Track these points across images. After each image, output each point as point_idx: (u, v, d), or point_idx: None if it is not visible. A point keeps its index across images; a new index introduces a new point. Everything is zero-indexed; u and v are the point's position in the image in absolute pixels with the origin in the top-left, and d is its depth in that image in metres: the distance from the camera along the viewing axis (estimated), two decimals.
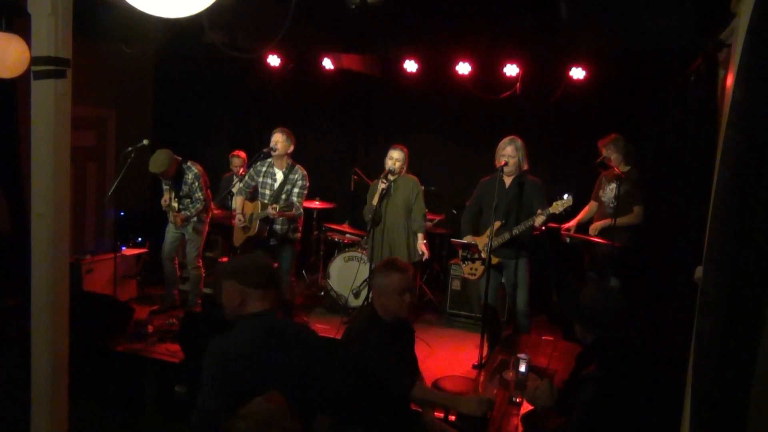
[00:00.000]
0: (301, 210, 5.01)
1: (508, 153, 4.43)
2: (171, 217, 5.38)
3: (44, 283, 2.84)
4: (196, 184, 5.29)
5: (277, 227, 4.96)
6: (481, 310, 4.56)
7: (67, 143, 2.83)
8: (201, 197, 5.31)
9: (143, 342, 4.60)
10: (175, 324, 4.78)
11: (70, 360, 2.97)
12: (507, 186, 4.52)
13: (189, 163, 5.34)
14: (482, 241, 4.55)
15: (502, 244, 4.45)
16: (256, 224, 4.92)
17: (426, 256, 5.15)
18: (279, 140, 4.91)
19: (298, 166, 5.02)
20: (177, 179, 5.30)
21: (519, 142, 4.49)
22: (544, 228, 4.49)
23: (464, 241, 4.66)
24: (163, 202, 5.37)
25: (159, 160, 5.14)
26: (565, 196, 4.16)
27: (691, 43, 3.38)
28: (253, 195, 5.15)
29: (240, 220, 5.04)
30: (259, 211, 4.90)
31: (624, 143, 4.86)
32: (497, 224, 4.45)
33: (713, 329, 1.84)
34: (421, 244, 5.11)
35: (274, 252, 5.06)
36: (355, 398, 2.76)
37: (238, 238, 5.15)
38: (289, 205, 4.82)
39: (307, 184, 5.01)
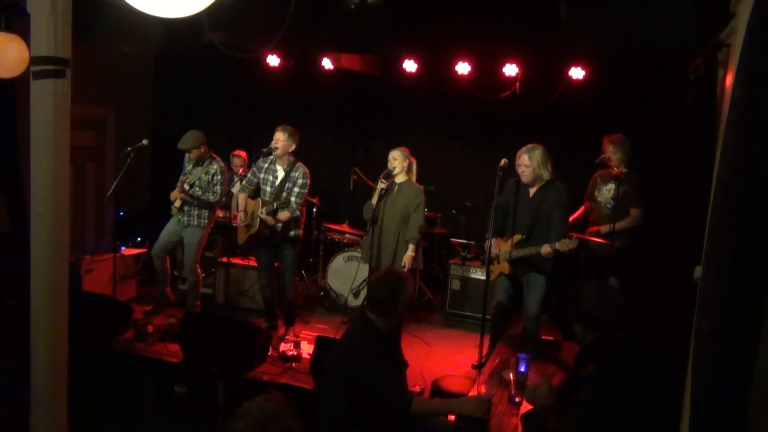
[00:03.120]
0: (297, 213, 4.94)
1: (523, 162, 4.27)
2: (174, 203, 5.21)
3: (44, 283, 2.84)
4: (219, 177, 5.20)
5: (278, 225, 4.92)
6: (489, 310, 4.48)
7: (67, 143, 2.83)
8: (218, 191, 5.20)
9: (143, 342, 4.60)
10: (175, 324, 4.77)
11: (69, 360, 2.97)
12: (530, 196, 4.35)
13: (216, 157, 5.30)
14: (504, 247, 4.43)
15: (520, 260, 4.33)
16: (257, 222, 4.90)
17: (406, 268, 4.92)
18: (280, 139, 4.87)
19: (299, 164, 4.99)
20: (199, 167, 5.22)
21: (537, 151, 4.27)
22: None
23: (465, 240, 4.63)
24: (172, 194, 5.21)
25: (187, 138, 5.09)
26: (572, 237, 4.06)
27: (690, 43, 3.38)
28: (254, 192, 5.12)
29: (242, 219, 5.01)
30: (260, 208, 4.87)
31: (630, 145, 4.86)
32: (518, 237, 4.33)
33: (713, 329, 1.84)
34: (409, 257, 4.93)
35: (277, 250, 5.05)
36: (352, 404, 2.77)
37: (241, 237, 5.14)
38: (285, 203, 4.77)
39: (308, 182, 4.97)
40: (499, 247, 4.46)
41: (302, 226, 5.11)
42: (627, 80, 5.66)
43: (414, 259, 4.98)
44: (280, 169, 4.98)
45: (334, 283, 5.95)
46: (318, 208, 6.43)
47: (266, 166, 5.02)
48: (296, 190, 4.91)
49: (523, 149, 4.31)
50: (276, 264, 5.16)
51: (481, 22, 4.57)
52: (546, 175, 4.31)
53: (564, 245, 4.06)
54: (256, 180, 5.07)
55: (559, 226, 4.24)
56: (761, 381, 1.80)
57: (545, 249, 4.13)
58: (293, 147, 4.95)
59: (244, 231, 5.09)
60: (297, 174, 4.93)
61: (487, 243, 4.51)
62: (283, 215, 4.81)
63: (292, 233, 5.01)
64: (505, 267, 4.44)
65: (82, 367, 3.51)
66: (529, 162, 4.25)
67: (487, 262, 4.35)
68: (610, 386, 2.35)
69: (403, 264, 4.95)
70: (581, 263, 5.20)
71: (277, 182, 4.96)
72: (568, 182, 5.52)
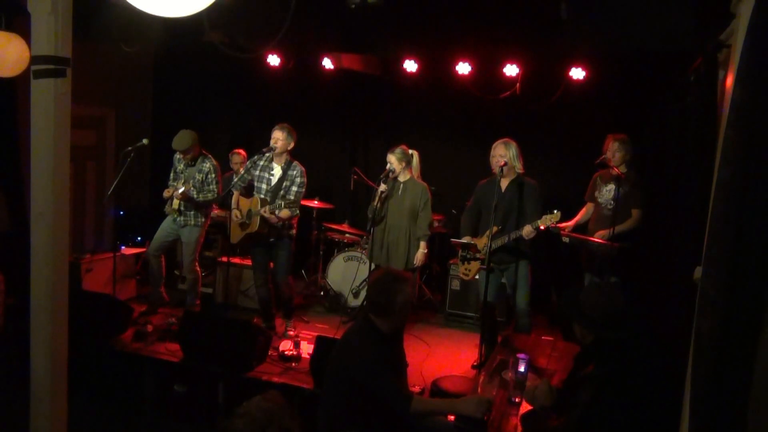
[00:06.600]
0: (297, 211, 4.92)
1: (499, 152, 4.42)
2: (171, 204, 5.16)
3: (44, 282, 2.84)
4: (213, 175, 5.19)
5: (279, 224, 4.89)
6: (479, 310, 4.56)
7: (67, 142, 2.83)
8: (215, 189, 5.19)
9: (143, 341, 4.60)
10: (175, 323, 4.77)
11: (69, 359, 2.97)
12: (503, 189, 4.49)
13: (208, 155, 5.28)
14: (480, 242, 4.54)
15: (500, 248, 4.43)
16: (257, 221, 4.84)
17: (419, 264, 5.01)
18: (279, 138, 4.84)
19: (296, 163, 4.96)
20: (192, 166, 5.21)
21: (513, 144, 4.47)
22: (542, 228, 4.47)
23: (464, 240, 4.65)
24: (166, 192, 5.21)
25: (181, 138, 5.07)
26: (555, 211, 4.17)
27: (691, 44, 3.38)
28: (247, 190, 5.07)
29: (237, 216, 4.96)
30: (258, 207, 4.82)
31: (631, 145, 4.87)
32: (494, 229, 4.40)
33: (712, 329, 1.84)
34: (421, 254, 4.96)
35: (271, 250, 5.03)
36: (352, 404, 2.77)
37: (235, 235, 5.07)
38: (290, 203, 4.74)
39: (305, 181, 4.95)
40: (477, 244, 4.57)
41: (295, 225, 5.09)
42: (627, 80, 5.66)
43: (426, 255, 5.04)
44: (277, 168, 4.95)
45: (334, 283, 5.95)
46: (318, 209, 6.43)
47: (261, 163, 4.98)
48: (294, 189, 4.88)
49: (499, 141, 4.50)
50: (270, 264, 5.15)
51: (481, 22, 4.58)
52: (518, 167, 4.50)
53: (545, 221, 4.18)
54: (249, 177, 5.02)
55: (533, 213, 4.37)
56: (761, 381, 1.81)
57: (527, 229, 4.25)
58: (292, 145, 4.92)
59: (238, 229, 5.03)
60: (295, 173, 4.91)
61: (476, 239, 4.58)
62: (284, 213, 4.78)
63: (285, 232, 4.98)
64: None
65: (82, 367, 3.52)
66: (505, 152, 4.43)
67: (487, 260, 4.35)
68: (610, 386, 2.35)
69: (415, 262, 4.97)
70: (582, 263, 5.20)
71: (274, 180, 4.93)
72: (567, 182, 5.51)
